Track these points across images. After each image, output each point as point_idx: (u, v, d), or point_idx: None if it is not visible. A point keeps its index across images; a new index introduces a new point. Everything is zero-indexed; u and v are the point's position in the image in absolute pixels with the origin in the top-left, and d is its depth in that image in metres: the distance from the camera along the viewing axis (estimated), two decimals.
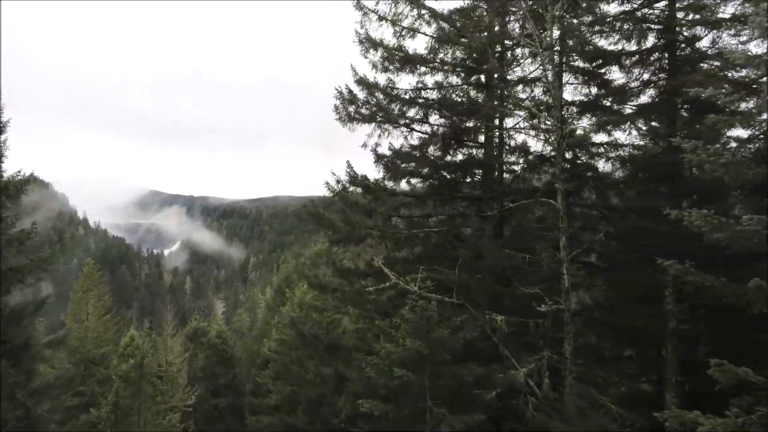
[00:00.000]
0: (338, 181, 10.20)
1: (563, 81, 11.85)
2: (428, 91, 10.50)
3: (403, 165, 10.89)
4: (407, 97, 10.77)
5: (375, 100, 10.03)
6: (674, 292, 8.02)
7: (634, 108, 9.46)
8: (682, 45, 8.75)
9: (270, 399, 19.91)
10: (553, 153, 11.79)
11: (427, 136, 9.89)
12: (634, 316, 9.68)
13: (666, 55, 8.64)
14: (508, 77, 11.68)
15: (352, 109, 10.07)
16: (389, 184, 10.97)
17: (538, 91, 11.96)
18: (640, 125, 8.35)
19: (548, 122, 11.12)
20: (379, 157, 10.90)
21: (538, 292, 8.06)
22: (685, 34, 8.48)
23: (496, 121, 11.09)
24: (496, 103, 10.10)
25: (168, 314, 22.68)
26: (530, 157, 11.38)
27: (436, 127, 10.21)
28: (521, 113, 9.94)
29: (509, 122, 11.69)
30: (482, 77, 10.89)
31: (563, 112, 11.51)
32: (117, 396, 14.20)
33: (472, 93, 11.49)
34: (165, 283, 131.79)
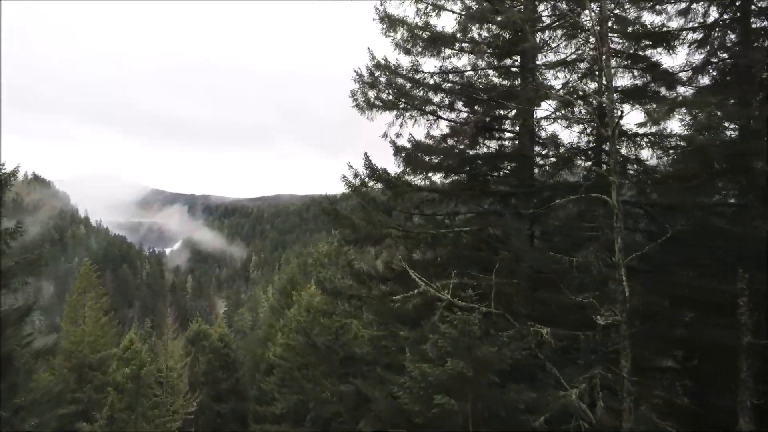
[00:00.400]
0: (356, 175, 9.15)
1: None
2: (454, 75, 9.43)
3: (426, 158, 9.83)
4: (432, 82, 9.71)
5: (398, 83, 8.97)
6: (750, 302, 6.95)
7: (693, 90, 8.38)
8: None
9: (275, 407, 18.92)
10: (592, 144, 10.77)
11: (456, 125, 8.83)
12: (687, 325, 8.65)
13: (735, 27, 7.55)
14: (537, 62, 10.64)
15: (372, 94, 9.01)
16: (409, 179, 9.95)
17: (573, 77, 10.94)
18: (714, 109, 7.26)
19: (591, 108, 10.12)
20: (398, 150, 9.85)
21: (591, 301, 6.99)
22: (759, 5, 7.40)
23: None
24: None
25: (169, 317, 21.69)
26: (561, 149, 10.33)
27: (466, 115, 9.15)
28: (562, 98, 8.84)
29: (538, 112, 10.68)
30: (514, 60, 9.82)
31: (602, 100, 10.49)
32: (112, 409, 13.22)
33: (496, 80, 10.43)
34: (166, 282, 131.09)
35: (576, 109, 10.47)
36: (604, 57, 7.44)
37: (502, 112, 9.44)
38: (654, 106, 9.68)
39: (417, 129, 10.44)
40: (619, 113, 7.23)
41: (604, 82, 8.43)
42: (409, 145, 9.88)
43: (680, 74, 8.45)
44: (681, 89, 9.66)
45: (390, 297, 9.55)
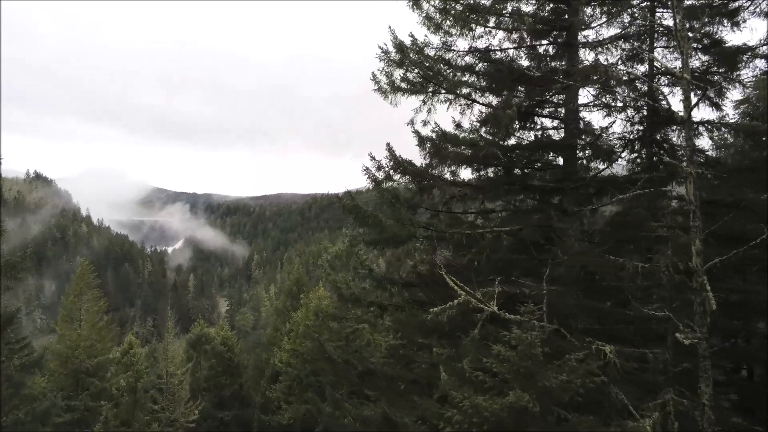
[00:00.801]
0: (380, 168, 8.04)
1: (653, 45, 9.71)
2: (492, 53, 8.33)
3: (456, 149, 8.72)
4: (463, 63, 8.60)
5: (429, 63, 7.86)
6: None
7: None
8: None
9: (282, 416, 17.88)
10: (638, 134, 9.68)
11: (495, 110, 7.69)
12: None
13: None
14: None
15: (398, 74, 7.90)
16: (435, 172, 8.87)
17: (612, 59, 9.85)
18: None
19: (638, 92, 9.06)
20: (423, 140, 8.75)
21: (667, 315, 5.89)
22: None
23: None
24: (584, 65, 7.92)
25: (170, 321, 20.63)
26: (601, 138, 9.23)
27: (501, 99, 8.02)
28: (627, 77, 7.72)
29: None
30: (557, 37, 8.71)
31: (654, 83, 9.39)
32: (106, 427, 12.15)
33: (525, 63, 9.33)
34: (168, 281, 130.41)
35: (618, 95, 9.41)
36: (679, 27, 6.32)
37: (545, 96, 8.33)
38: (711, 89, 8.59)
39: (447, 115, 9.37)
40: (705, 92, 6.13)
41: (654, 61, 7.36)
42: (434, 135, 8.79)
43: (762, 49, 7.31)
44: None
45: (415, 305, 8.47)
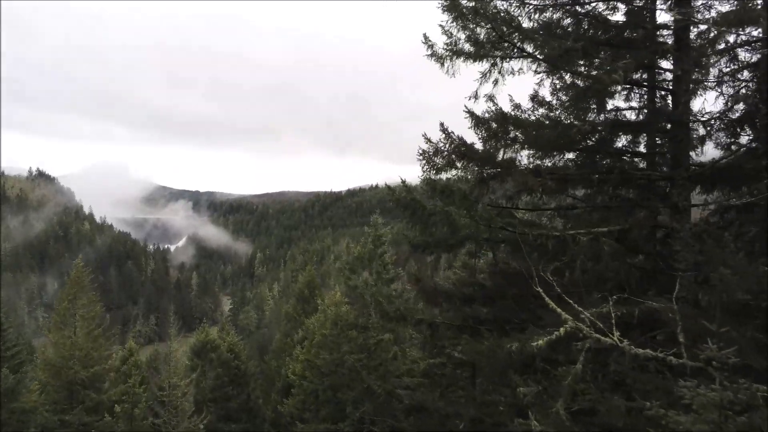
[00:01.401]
0: (437, 152, 6.32)
1: None
2: (580, 6, 6.59)
3: (515, 131, 6.99)
4: (533, 24, 6.87)
5: (502, 17, 6.10)
6: None
7: None
8: None
9: None
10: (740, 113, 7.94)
11: (597, 77, 5.92)
12: None
13: None
14: None
15: (463, 35, 6.15)
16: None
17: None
18: None
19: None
20: (479, 121, 7.03)
21: None
22: None
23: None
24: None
25: (172, 328, 19.01)
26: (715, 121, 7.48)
27: (606, 60, 6.26)
28: None
29: None
30: None
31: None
32: None
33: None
34: (171, 279, 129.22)
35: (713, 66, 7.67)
36: None
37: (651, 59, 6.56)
38: None
39: (503, 94, 7.63)
40: None
41: None
42: (488, 115, 7.04)
43: None
44: None
45: (479, 324, 6.77)
